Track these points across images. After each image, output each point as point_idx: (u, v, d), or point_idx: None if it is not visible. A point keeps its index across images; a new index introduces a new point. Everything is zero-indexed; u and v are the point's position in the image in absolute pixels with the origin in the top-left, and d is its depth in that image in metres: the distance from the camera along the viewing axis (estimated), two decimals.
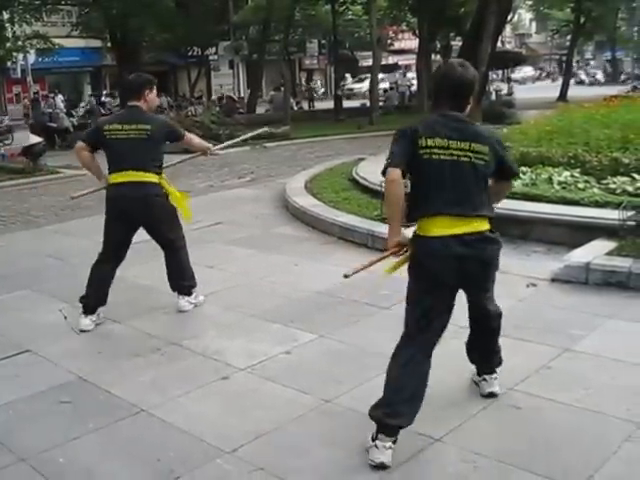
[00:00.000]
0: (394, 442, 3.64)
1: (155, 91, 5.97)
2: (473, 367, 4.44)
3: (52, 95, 31.47)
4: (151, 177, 5.80)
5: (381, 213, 8.50)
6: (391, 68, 52.46)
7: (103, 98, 33.86)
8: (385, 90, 36.87)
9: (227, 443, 3.89)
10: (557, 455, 3.62)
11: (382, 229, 7.90)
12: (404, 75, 44.34)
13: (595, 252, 6.43)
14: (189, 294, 6.17)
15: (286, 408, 4.28)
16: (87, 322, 5.80)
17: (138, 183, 5.78)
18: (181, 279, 6.16)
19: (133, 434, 4.10)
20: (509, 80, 44.98)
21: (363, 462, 3.66)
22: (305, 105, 40.20)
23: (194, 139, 6.36)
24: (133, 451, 3.91)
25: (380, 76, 35.63)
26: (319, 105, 40.16)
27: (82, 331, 5.76)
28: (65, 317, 6.13)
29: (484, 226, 3.74)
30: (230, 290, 6.70)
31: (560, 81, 40.22)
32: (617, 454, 3.62)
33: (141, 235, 9.14)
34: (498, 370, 4.33)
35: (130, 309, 6.24)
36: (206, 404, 4.41)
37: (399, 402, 3.68)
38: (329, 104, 35.12)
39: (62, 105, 28.80)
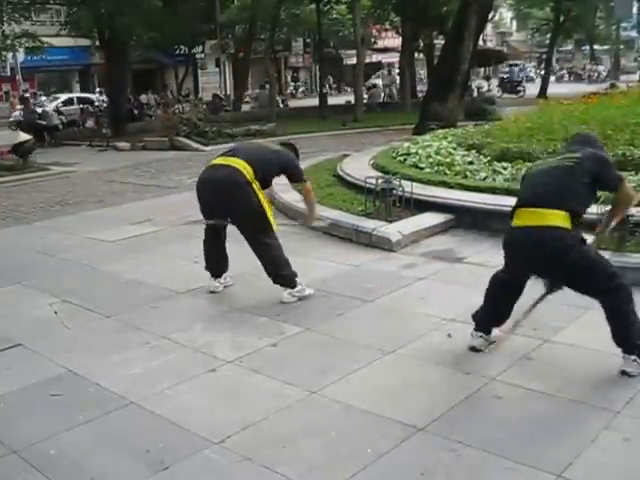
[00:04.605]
0: None
1: None
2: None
3: (45, 97, 31.55)
4: None
5: (365, 208, 8.59)
6: (375, 66, 52.50)
7: (98, 96, 33.90)
8: (372, 86, 37.08)
9: (215, 434, 3.94)
10: (537, 443, 3.70)
11: (366, 224, 8.01)
12: (389, 73, 44.38)
13: None
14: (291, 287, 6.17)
15: (273, 399, 4.34)
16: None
17: None
18: (275, 275, 6.21)
19: (123, 426, 4.14)
20: (488, 78, 45.26)
21: (348, 452, 3.73)
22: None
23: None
24: (123, 442, 3.96)
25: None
26: (304, 102, 40.22)
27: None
28: (55, 312, 6.17)
29: None
30: None
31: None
32: (595, 442, 3.70)
33: (128, 231, 9.21)
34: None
35: (119, 303, 6.29)
36: (194, 396, 4.46)
37: None
38: (313, 101, 35.22)
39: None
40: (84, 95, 32.92)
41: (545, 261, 4.43)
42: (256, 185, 6.11)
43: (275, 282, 6.18)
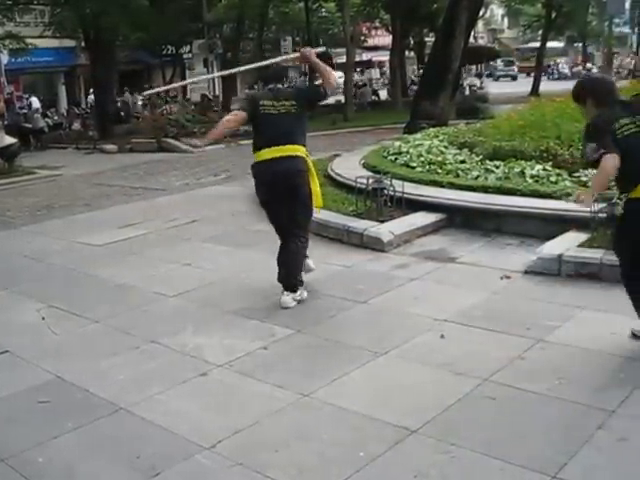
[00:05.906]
0: None
1: None
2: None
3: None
4: None
5: (356, 209, 8.55)
6: (365, 65, 52.61)
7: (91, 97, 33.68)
8: (359, 86, 37.14)
9: (206, 439, 3.91)
10: (531, 444, 3.67)
11: (357, 224, 7.97)
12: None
13: (567, 244, 6.50)
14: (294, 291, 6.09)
15: (264, 403, 4.30)
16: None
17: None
18: (291, 273, 6.10)
19: (112, 432, 4.10)
20: (480, 75, 45.35)
21: (340, 455, 3.69)
22: None
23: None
24: (113, 449, 3.91)
25: None
26: None
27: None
28: (43, 318, 6.11)
29: None
30: (207, 287, 6.70)
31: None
32: (590, 442, 3.67)
33: (117, 235, 9.14)
34: None
35: (107, 308, 6.23)
36: (185, 401, 4.42)
37: None
38: None
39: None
40: None
41: None
42: (310, 170, 6.30)
43: (279, 280, 6.07)
